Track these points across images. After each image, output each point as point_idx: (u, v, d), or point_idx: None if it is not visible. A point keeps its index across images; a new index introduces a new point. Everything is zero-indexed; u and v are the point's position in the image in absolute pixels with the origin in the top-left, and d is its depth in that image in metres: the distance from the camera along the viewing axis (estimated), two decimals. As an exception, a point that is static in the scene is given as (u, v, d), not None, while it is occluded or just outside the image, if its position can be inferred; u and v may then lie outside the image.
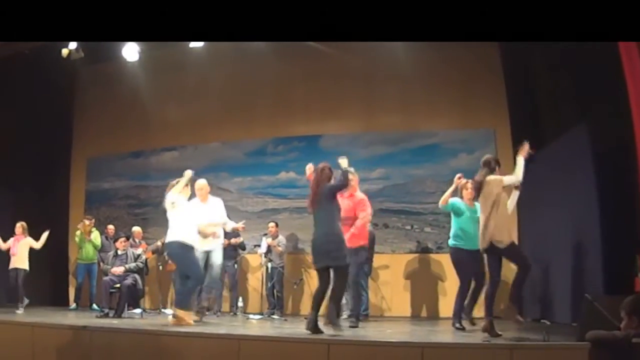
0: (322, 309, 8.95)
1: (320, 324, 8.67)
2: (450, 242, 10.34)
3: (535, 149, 9.15)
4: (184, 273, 10.46)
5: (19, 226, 14.17)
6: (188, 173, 10.53)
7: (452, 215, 10.38)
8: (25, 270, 14.06)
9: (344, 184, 9.24)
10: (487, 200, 8.57)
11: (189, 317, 10.16)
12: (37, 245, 14.25)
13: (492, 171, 8.71)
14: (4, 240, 14.13)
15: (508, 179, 8.69)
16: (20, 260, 14.04)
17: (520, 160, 8.80)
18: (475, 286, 10.03)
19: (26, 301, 13.75)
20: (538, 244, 12.18)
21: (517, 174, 8.72)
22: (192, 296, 11.05)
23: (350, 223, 10.32)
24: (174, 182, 10.50)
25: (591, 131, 10.03)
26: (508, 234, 8.55)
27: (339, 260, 8.84)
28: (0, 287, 14.31)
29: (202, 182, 11.60)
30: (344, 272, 8.96)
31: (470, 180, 10.15)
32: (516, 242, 9.31)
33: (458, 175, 10.38)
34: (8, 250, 14.09)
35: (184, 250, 10.25)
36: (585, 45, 8.78)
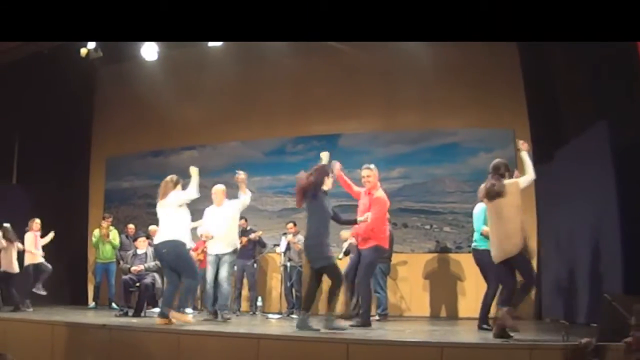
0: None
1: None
2: (475, 244, 10.23)
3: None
4: (178, 271, 10.34)
5: (35, 222, 14.19)
6: (195, 169, 10.56)
7: (475, 218, 10.28)
8: (34, 264, 14.02)
9: (310, 182, 9.36)
10: (511, 207, 8.41)
11: (185, 317, 10.26)
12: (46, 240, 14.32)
13: (502, 177, 8.56)
14: (21, 239, 14.10)
15: (524, 180, 8.56)
16: (30, 256, 14.05)
17: (525, 156, 8.67)
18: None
19: (30, 308, 13.71)
20: (557, 242, 12.13)
21: (530, 172, 8.60)
22: (192, 297, 11.24)
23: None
24: (169, 179, 10.53)
25: (610, 129, 9.97)
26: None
27: (317, 262, 9.19)
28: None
29: (218, 187, 11.77)
30: (330, 273, 9.18)
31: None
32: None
33: None
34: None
35: (179, 249, 10.25)
36: (604, 44, 8.73)
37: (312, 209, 9.28)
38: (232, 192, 11.94)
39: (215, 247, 11.46)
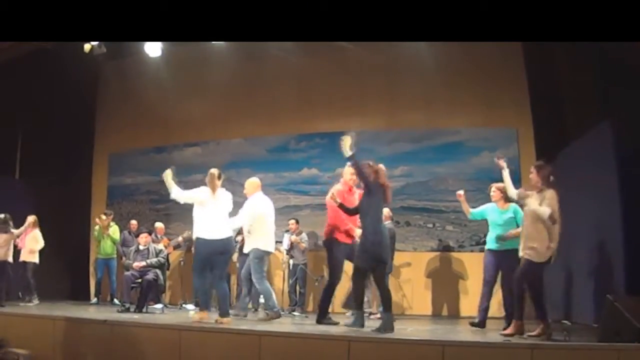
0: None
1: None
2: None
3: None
4: (218, 270, 10.09)
5: (30, 219, 14.19)
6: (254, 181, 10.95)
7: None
8: (34, 263, 14.15)
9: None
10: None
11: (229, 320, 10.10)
12: (41, 244, 14.29)
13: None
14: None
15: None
16: (28, 254, 14.13)
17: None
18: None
19: (35, 300, 13.77)
20: (560, 243, 12.09)
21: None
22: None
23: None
24: (216, 173, 10.19)
25: (614, 130, 9.96)
26: None
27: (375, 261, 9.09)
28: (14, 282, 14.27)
29: (254, 180, 11.64)
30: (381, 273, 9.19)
31: (495, 185, 10.15)
32: None
33: (458, 193, 10.35)
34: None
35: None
36: (608, 44, 8.72)
37: (367, 207, 9.17)
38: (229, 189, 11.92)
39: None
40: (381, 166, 9.36)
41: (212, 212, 10.00)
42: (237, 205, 10.74)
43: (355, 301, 9.27)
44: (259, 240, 11.13)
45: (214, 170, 10.21)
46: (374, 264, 8.91)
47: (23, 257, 14.06)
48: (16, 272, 13.93)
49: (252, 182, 11.47)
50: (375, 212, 9.02)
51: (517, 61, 14.07)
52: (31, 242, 14.15)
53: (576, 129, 11.94)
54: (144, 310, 12.35)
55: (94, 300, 15.72)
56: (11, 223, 13.56)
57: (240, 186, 11.62)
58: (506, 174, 9.16)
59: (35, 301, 13.70)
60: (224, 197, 10.16)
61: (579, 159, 11.30)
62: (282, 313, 12.98)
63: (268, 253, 11.27)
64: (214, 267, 9.97)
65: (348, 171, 10.19)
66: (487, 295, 10.09)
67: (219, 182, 10.12)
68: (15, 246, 13.80)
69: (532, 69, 13.88)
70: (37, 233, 14.24)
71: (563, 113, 13.01)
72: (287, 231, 14.04)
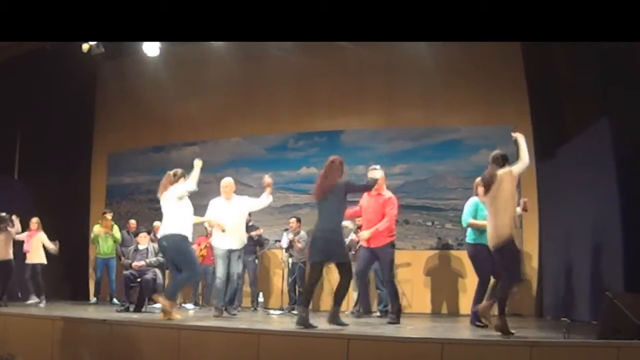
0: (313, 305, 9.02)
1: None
2: (469, 238, 10.21)
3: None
4: (178, 265, 10.24)
5: (34, 222, 14.26)
6: (198, 162, 10.41)
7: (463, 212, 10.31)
8: (42, 264, 14.22)
9: (367, 187, 9.61)
10: (504, 196, 8.32)
11: (174, 310, 10.18)
12: (51, 246, 14.28)
13: (500, 167, 8.46)
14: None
15: (517, 167, 8.47)
16: (36, 255, 14.17)
17: (521, 140, 8.59)
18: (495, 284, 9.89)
19: (41, 300, 13.76)
20: (558, 240, 12.12)
21: (523, 157, 8.51)
22: (181, 289, 11.69)
23: (377, 222, 10.21)
24: (171, 172, 10.38)
25: (613, 127, 9.96)
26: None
27: (343, 257, 9.04)
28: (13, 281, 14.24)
29: (227, 180, 11.69)
30: (347, 269, 9.02)
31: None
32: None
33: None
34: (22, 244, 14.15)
35: (180, 242, 10.19)
36: (608, 44, 8.73)
37: (339, 203, 9.07)
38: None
39: (227, 242, 11.32)
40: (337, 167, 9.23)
41: (164, 211, 10.34)
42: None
43: (305, 297, 9.12)
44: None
45: (171, 171, 10.45)
46: (335, 260, 8.95)
47: (31, 260, 14.11)
48: (22, 274, 13.96)
49: (231, 183, 11.64)
50: (330, 205, 8.96)
51: (516, 60, 14.06)
52: (38, 244, 14.19)
53: (575, 127, 11.94)
54: (143, 309, 12.35)
55: (93, 300, 15.75)
56: (10, 223, 13.58)
57: (240, 185, 11.66)
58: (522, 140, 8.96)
59: (43, 303, 13.69)
60: (171, 194, 10.25)
61: (577, 156, 11.31)
62: (281, 311, 13.04)
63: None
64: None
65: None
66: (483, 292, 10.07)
67: (172, 184, 10.33)
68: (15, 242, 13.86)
69: (531, 67, 13.87)
70: (42, 235, 14.30)
71: (562, 112, 13.01)
72: (286, 230, 14.07)
